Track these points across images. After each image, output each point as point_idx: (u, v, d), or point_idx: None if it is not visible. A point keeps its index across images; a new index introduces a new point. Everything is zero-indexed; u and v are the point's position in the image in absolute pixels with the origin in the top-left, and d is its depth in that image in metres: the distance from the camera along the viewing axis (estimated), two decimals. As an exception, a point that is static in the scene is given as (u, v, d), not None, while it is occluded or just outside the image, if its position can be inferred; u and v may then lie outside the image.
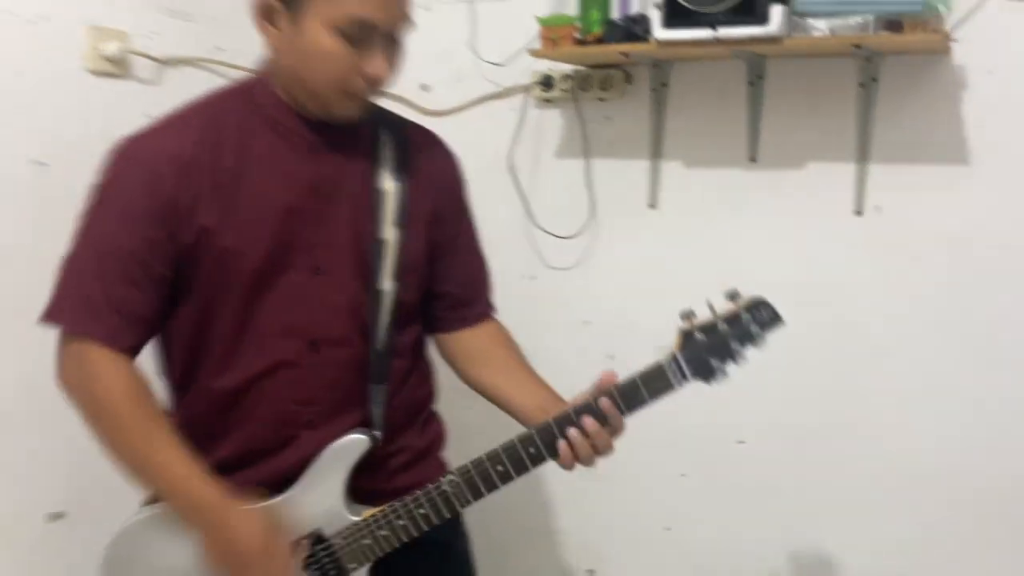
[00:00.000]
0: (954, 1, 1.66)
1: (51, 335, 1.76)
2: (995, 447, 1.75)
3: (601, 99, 2.01)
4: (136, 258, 1.23)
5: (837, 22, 1.58)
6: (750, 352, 1.25)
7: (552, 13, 1.94)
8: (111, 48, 1.80)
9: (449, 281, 1.43)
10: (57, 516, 1.85)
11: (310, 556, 1.28)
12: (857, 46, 1.60)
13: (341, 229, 1.29)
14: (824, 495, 1.91)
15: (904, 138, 1.77)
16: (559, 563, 2.26)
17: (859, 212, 1.82)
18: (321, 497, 1.28)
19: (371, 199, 1.31)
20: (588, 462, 1.26)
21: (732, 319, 1.23)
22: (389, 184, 1.33)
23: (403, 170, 1.34)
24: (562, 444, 1.24)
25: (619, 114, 2.03)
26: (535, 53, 1.87)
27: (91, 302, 1.24)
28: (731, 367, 1.25)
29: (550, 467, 1.83)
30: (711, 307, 1.25)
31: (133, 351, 1.27)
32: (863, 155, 1.80)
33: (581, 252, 2.10)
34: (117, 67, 1.83)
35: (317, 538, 1.29)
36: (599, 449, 1.26)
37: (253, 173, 1.26)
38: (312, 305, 1.29)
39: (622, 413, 1.25)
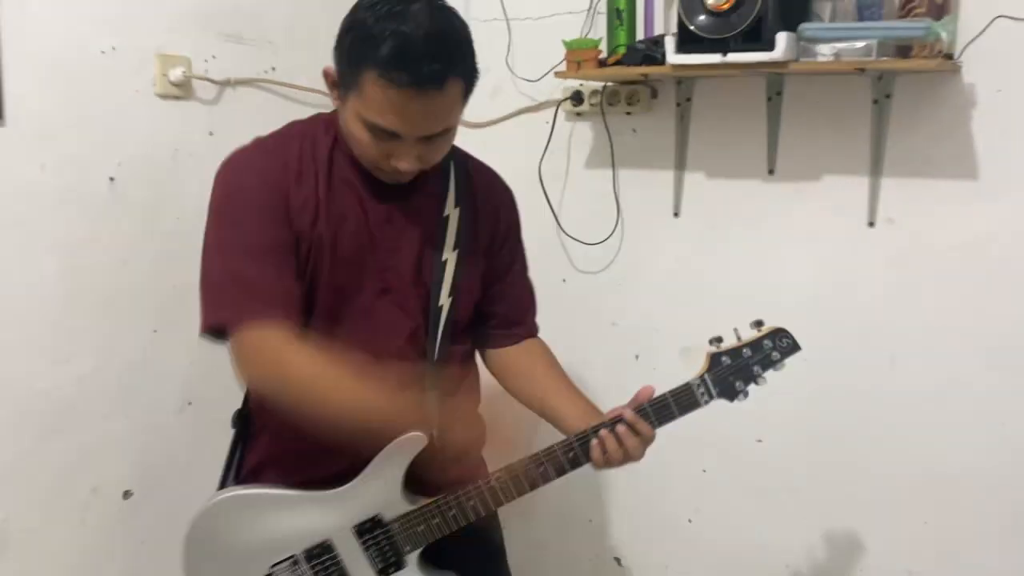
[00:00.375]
0: (961, 23, 1.71)
1: (120, 327, 1.96)
2: (1000, 448, 1.80)
3: (628, 113, 2.11)
4: (278, 248, 1.34)
5: (843, 46, 1.66)
6: (770, 376, 1.39)
7: (579, 37, 2.05)
8: (175, 73, 1.96)
9: (500, 303, 1.56)
10: (128, 494, 2.04)
11: (369, 536, 1.42)
12: (861, 70, 1.67)
13: (407, 254, 1.42)
14: (838, 493, 1.99)
15: (916, 153, 1.83)
16: (590, 551, 2.38)
17: (872, 223, 1.88)
18: (383, 486, 1.41)
19: (436, 225, 1.44)
20: (618, 466, 1.40)
21: (755, 345, 1.38)
22: (452, 212, 1.46)
23: (465, 200, 1.47)
24: (596, 450, 1.37)
25: (645, 127, 2.13)
26: (560, 74, 1.99)
27: (257, 292, 1.32)
28: (752, 388, 1.39)
29: (587, 465, 1.98)
30: (737, 333, 1.39)
31: (297, 327, 1.35)
32: (876, 169, 1.86)
33: (609, 257, 2.22)
34: (181, 90, 2.00)
35: (377, 522, 1.42)
36: (630, 456, 1.39)
37: (336, 204, 1.38)
38: (378, 323, 1.41)
39: (653, 426, 1.38)
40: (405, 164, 1.30)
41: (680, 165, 2.09)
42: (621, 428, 1.37)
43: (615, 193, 2.17)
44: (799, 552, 2.07)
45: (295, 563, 1.43)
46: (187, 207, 1.85)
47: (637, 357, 2.22)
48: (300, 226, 1.36)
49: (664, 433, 2.17)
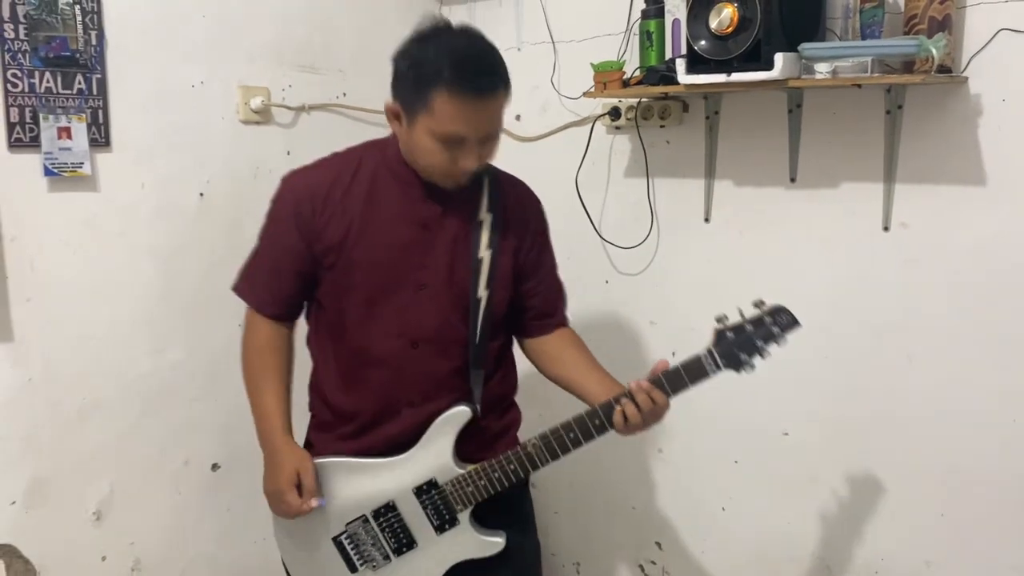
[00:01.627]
0: (967, 36, 1.79)
1: (208, 322, 2.25)
2: (1012, 443, 1.85)
3: (662, 126, 2.26)
4: (285, 255, 1.66)
5: (842, 63, 1.76)
6: (773, 349, 1.54)
7: (615, 58, 2.21)
8: (256, 102, 2.25)
9: (534, 297, 1.77)
10: (216, 467, 2.33)
11: (426, 496, 1.65)
12: (858, 85, 1.78)
13: (443, 254, 1.65)
14: (859, 485, 2.07)
15: (927, 160, 1.90)
16: (633, 535, 2.53)
17: (887, 228, 1.96)
18: (436, 453, 1.65)
19: (470, 228, 1.66)
20: (639, 431, 1.58)
21: (757, 322, 1.54)
22: (485, 216, 1.68)
23: (497, 206, 1.69)
24: (618, 416, 1.56)
25: (677, 139, 2.27)
26: (588, 94, 2.16)
27: (254, 280, 1.72)
28: (757, 360, 1.54)
29: (628, 455, 2.22)
30: (740, 312, 1.55)
31: (277, 318, 1.71)
32: (890, 176, 1.94)
33: (646, 260, 2.37)
34: (261, 116, 2.28)
35: (433, 484, 1.65)
36: (648, 421, 1.57)
37: (379, 210, 1.63)
38: (415, 314, 1.65)
39: (667, 395, 1.56)
40: (471, 162, 1.54)
41: (710, 174, 2.22)
42: (641, 396, 1.54)
43: (650, 200, 2.32)
44: (823, 541, 2.15)
45: (365, 521, 1.68)
46: (266, 218, 2.13)
47: (674, 353, 2.32)
48: (324, 238, 1.62)
49: (700, 425, 2.32)
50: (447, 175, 1.57)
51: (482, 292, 1.66)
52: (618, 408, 1.55)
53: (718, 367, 1.54)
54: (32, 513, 2.03)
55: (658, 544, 2.47)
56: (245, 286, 1.73)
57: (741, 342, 1.53)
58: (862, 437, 2.06)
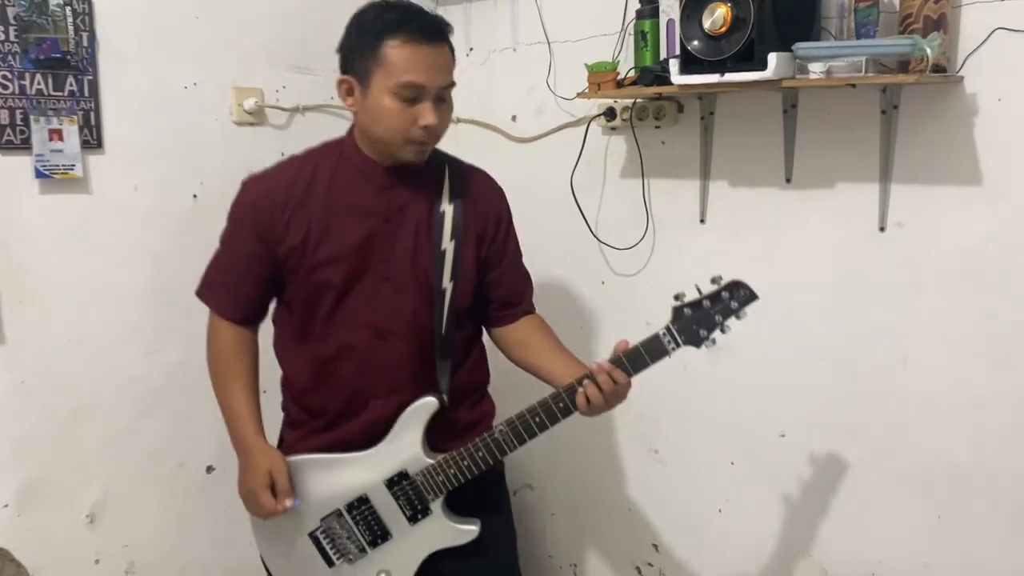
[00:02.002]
0: (963, 36, 1.77)
1: (201, 325, 2.23)
2: (1009, 444, 1.83)
3: (657, 127, 2.25)
4: (245, 259, 1.70)
5: (836, 63, 1.75)
6: (733, 323, 1.56)
7: (610, 59, 2.20)
8: (250, 103, 2.24)
9: (498, 288, 1.79)
10: (211, 469, 2.32)
11: (398, 488, 1.67)
12: (852, 85, 1.77)
13: (406, 246, 1.67)
14: (856, 488, 2.05)
15: (923, 160, 1.88)
16: (630, 537, 2.51)
17: (883, 228, 1.94)
18: (405, 445, 1.68)
19: (432, 219, 1.68)
20: (603, 411, 1.59)
21: (714, 298, 1.55)
22: (447, 208, 1.69)
23: (458, 198, 1.71)
24: (580, 398, 1.57)
25: (672, 139, 2.25)
26: (582, 95, 2.15)
27: (215, 284, 1.75)
28: (717, 335, 1.55)
29: (624, 456, 2.28)
30: (698, 289, 1.56)
31: (240, 322, 1.74)
32: (886, 176, 1.92)
33: (642, 261, 2.36)
34: (255, 117, 2.28)
35: (404, 475, 1.67)
36: (611, 401, 1.58)
37: (340, 206, 1.66)
38: (380, 305, 1.67)
39: (628, 374, 1.57)
40: (430, 117, 1.55)
41: (705, 175, 2.21)
42: (602, 377, 1.55)
43: (645, 201, 2.31)
44: (820, 544, 2.14)
45: (339, 515, 1.70)
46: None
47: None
48: (286, 240, 1.65)
49: (696, 426, 2.31)
50: (408, 139, 1.58)
51: (446, 284, 1.68)
52: (580, 390, 1.57)
53: (677, 344, 1.55)
54: (25, 516, 2.03)
55: (655, 546, 2.46)
56: (206, 290, 1.76)
57: (699, 318, 1.54)
58: (859, 439, 2.05)
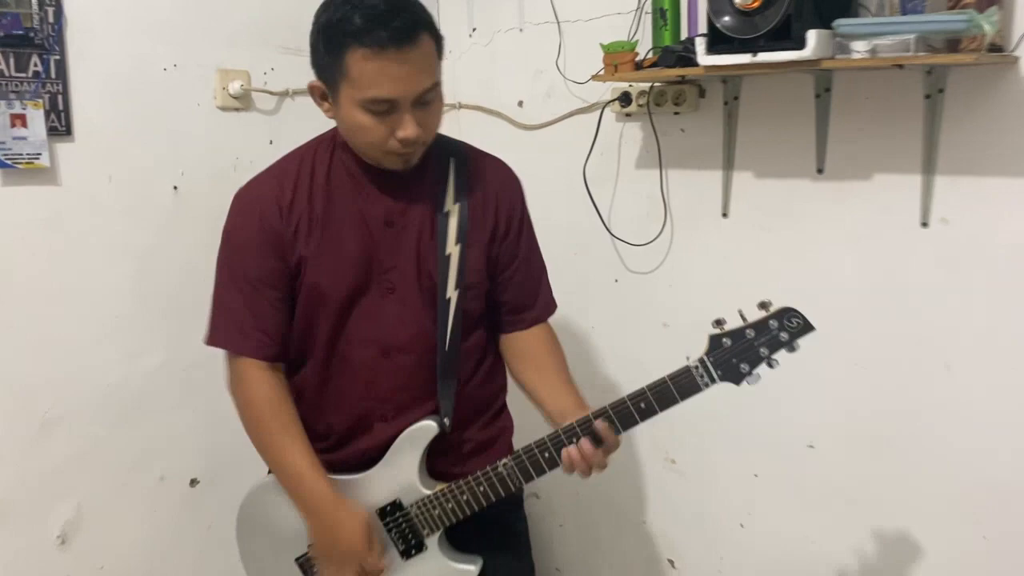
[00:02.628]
0: (1018, 13, 1.62)
1: (185, 326, 2.10)
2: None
3: (676, 113, 2.10)
4: (266, 283, 1.49)
5: (880, 41, 1.59)
6: (780, 356, 1.36)
7: (626, 39, 2.05)
8: (235, 86, 2.08)
9: (509, 291, 1.61)
10: (195, 482, 2.18)
11: (391, 519, 1.51)
12: (899, 66, 1.61)
13: (408, 252, 1.50)
14: (892, 503, 1.93)
15: (971, 150, 1.74)
16: (643, 552, 2.39)
17: (926, 224, 1.81)
18: (400, 472, 1.51)
19: (436, 221, 1.51)
20: (586, 475, 1.43)
21: (759, 326, 1.35)
22: (452, 206, 1.52)
23: (465, 193, 1.53)
24: (565, 459, 1.41)
25: (693, 127, 2.11)
26: (597, 77, 1.99)
27: (240, 325, 1.50)
28: (762, 371, 1.35)
29: (638, 466, 2.03)
30: (741, 315, 1.36)
31: (276, 359, 1.53)
32: (929, 167, 1.78)
33: (659, 258, 2.21)
34: (241, 102, 2.12)
35: (397, 505, 1.51)
36: (592, 469, 1.42)
37: (336, 216, 1.49)
38: (384, 320, 1.50)
39: (653, 413, 1.39)
40: (410, 131, 1.36)
41: (728, 165, 2.06)
42: (584, 443, 1.40)
43: (663, 193, 2.16)
44: (851, 564, 2.01)
45: None
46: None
47: (688, 358, 2.19)
48: (296, 249, 1.46)
49: (717, 436, 2.19)
50: (389, 152, 1.40)
51: (451, 293, 1.50)
52: (565, 452, 1.41)
53: (712, 379, 1.36)
54: (-10, 537, 1.88)
55: (671, 562, 2.33)
56: (226, 335, 1.52)
57: (740, 350, 1.34)
58: (895, 451, 1.91)
